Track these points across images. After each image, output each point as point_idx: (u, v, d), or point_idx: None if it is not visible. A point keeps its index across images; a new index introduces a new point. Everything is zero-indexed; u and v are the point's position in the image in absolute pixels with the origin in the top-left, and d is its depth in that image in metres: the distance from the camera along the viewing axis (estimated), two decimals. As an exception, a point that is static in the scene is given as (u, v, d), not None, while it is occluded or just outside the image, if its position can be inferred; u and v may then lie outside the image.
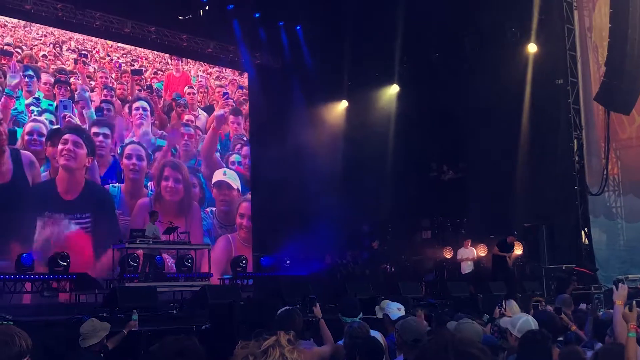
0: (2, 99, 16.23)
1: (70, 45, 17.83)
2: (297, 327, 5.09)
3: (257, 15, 20.35)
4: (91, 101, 17.87)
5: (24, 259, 14.43)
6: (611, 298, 4.88)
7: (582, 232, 16.51)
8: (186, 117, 19.93)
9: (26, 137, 16.47)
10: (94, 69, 18.16)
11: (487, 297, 12.06)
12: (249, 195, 20.93)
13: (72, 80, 17.62)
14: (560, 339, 5.65)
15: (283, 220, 19.30)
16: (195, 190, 19.67)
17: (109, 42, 18.52)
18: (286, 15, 20.23)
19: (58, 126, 17.06)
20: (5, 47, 16.61)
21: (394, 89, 20.57)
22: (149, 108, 19.08)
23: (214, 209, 20.04)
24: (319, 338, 5.87)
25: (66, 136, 17.08)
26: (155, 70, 19.60)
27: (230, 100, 21.21)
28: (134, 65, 19.08)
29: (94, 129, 17.88)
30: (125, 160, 18.23)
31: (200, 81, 20.61)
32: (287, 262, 18.82)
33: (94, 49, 18.32)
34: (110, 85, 18.43)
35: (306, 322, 6.06)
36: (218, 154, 20.52)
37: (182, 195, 19.19)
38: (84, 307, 12.42)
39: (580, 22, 17.57)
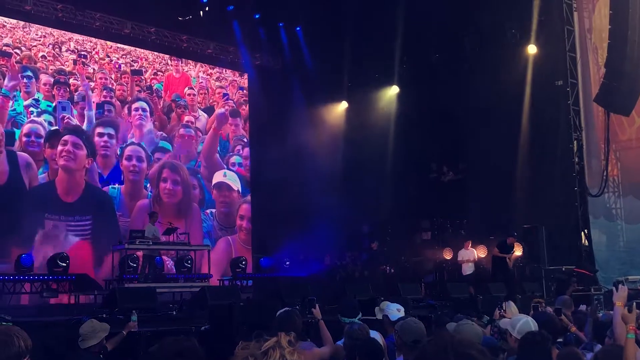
0: (-1, 100, 16.22)
1: (70, 46, 17.82)
2: (296, 328, 5.08)
3: (257, 16, 20.35)
4: (92, 102, 17.85)
5: (23, 260, 14.40)
6: (611, 299, 4.88)
7: (582, 233, 16.50)
8: (186, 118, 19.92)
9: (24, 139, 16.41)
10: (94, 69, 18.15)
11: (486, 299, 12.08)
12: (249, 197, 20.92)
13: (71, 81, 17.60)
14: (560, 340, 5.64)
15: (283, 221, 19.28)
16: (195, 191, 19.65)
17: (108, 42, 18.52)
18: (286, 16, 20.24)
19: (56, 127, 17.02)
20: (4, 48, 16.57)
21: (393, 90, 20.57)
22: (148, 109, 19.06)
23: (214, 210, 20.02)
24: (318, 339, 5.86)
25: (65, 137, 17.03)
26: (155, 71, 19.60)
27: (230, 101, 21.21)
28: (133, 66, 19.07)
29: (99, 129, 17.87)
30: (125, 162, 18.21)
31: (201, 82, 20.61)
32: (287, 263, 18.81)
33: (94, 49, 18.31)
34: (110, 86, 18.42)
35: (306, 323, 6.06)
36: (218, 155, 20.51)
37: (180, 197, 19.15)
38: (84, 308, 12.42)
39: (580, 24, 17.58)
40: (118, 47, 18.77)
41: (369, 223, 20.30)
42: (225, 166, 20.58)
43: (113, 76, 18.55)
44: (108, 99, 18.27)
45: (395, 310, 6.30)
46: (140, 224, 16.97)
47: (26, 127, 16.50)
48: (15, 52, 16.75)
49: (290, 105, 20.58)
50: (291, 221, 19.03)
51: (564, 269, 15.79)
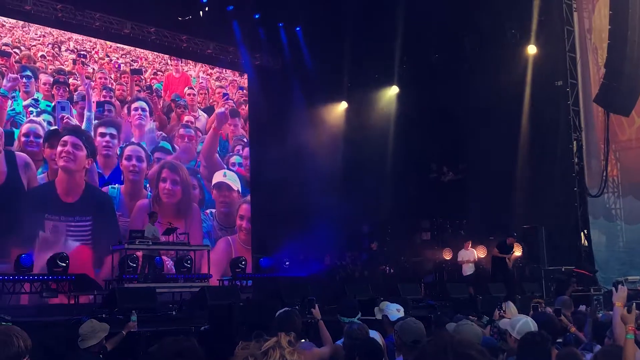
0: (-3, 100, 16.18)
1: (69, 45, 17.79)
2: (296, 328, 5.08)
3: (256, 16, 20.35)
4: (92, 102, 17.84)
5: (23, 260, 14.40)
6: (610, 300, 4.88)
7: (582, 233, 16.51)
8: (186, 118, 19.91)
9: (23, 139, 16.35)
10: (93, 69, 18.13)
11: (486, 299, 12.08)
12: (249, 197, 20.90)
13: (70, 80, 17.59)
14: (560, 340, 5.65)
15: (283, 221, 19.28)
16: (195, 191, 19.64)
17: (108, 42, 18.50)
18: (286, 16, 20.23)
19: (56, 127, 16.98)
20: (3, 48, 16.54)
21: (393, 90, 20.57)
22: (147, 109, 19.05)
23: (213, 210, 20.01)
24: (317, 339, 5.86)
25: (65, 138, 16.99)
26: (155, 70, 19.59)
27: (230, 101, 21.21)
28: (133, 66, 19.06)
29: (101, 129, 17.86)
30: (125, 162, 18.19)
31: (201, 82, 20.60)
32: (287, 263, 18.81)
33: (93, 49, 18.29)
34: (110, 85, 18.41)
35: (305, 323, 6.06)
36: (218, 155, 20.50)
37: (179, 197, 19.13)
38: (83, 308, 12.42)
39: (580, 24, 17.58)
40: (118, 47, 18.75)
41: (368, 223, 20.30)
42: (225, 166, 20.57)
43: (113, 76, 18.54)
44: (108, 98, 18.26)
45: (394, 311, 6.30)
46: (139, 224, 16.95)
47: (25, 127, 16.45)
48: (15, 52, 16.72)
49: (290, 106, 20.58)
50: (291, 221, 19.02)
51: (563, 270, 15.80)
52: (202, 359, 3.17)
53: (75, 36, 17.86)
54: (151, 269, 15.30)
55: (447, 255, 18.45)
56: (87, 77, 17.90)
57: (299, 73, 20.80)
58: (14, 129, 16.29)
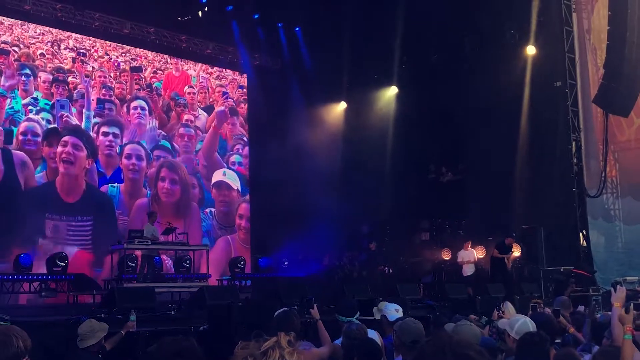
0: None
1: (69, 43, 17.78)
2: (295, 328, 5.08)
3: (256, 17, 20.35)
4: (91, 100, 17.83)
5: (22, 260, 14.39)
6: (609, 300, 4.88)
7: (580, 234, 16.51)
8: (186, 117, 19.91)
9: (20, 137, 16.31)
10: (93, 67, 18.12)
11: (485, 299, 12.08)
12: (248, 196, 20.92)
13: (70, 79, 17.57)
14: (558, 341, 5.65)
15: (282, 220, 19.29)
16: (194, 191, 19.64)
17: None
18: (285, 16, 20.24)
19: (55, 125, 16.96)
20: (2, 46, 16.53)
21: (392, 90, 20.58)
22: (147, 107, 19.04)
23: (213, 209, 20.01)
24: (316, 339, 5.86)
25: (65, 138, 16.97)
26: (154, 69, 19.59)
27: (230, 99, 21.21)
28: (133, 64, 19.05)
29: (104, 129, 17.86)
30: (124, 160, 18.19)
31: (202, 82, 20.61)
32: (285, 263, 18.80)
33: (93, 47, 18.28)
34: (109, 84, 18.40)
35: (304, 323, 6.06)
36: (217, 154, 20.51)
37: (178, 197, 19.13)
38: (82, 308, 12.40)
39: (579, 24, 17.59)
40: (117, 45, 18.75)
41: (368, 223, 20.30)
42: (225, 165, 20.57)
43: (112, 74, 18.53)
44: (107, 97, 18.26)
45: (393, 311, 6.30)
46: (139, 223, 16.95)
47: (22, 126, 16.40)
48: (14, 50, 16.71)
49: (290, 106, 20.59)
50: (290, 221, 19.03)
51: (562, 270, 15.79)
52: (201, 358, 3.17)
53: (74, 34, 17.85)
54: (150, 268, 15.30)
55: (446, 256, 18.45)
56: (87, 76, 17.89)
57: (298, 73, 20.81)
58: (13, 127, 16.25)
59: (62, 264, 14.68)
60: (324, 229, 17.92)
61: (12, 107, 16.36)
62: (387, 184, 19.29)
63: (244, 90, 21.72)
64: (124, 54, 18.89)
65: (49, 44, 17.42)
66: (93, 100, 17.89)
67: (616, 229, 17.28)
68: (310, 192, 18.70)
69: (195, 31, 19.56)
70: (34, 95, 16.79)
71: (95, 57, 18.28)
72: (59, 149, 16.79)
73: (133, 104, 18.76)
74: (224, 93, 21.10)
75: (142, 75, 19.19)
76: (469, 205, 17.80)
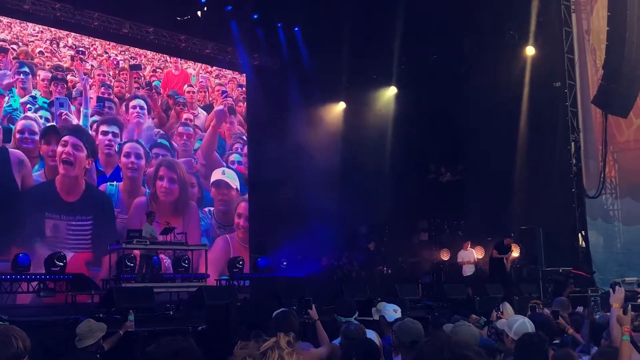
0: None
1: (68, 41, 17.76)
2: (293, 328, 5.07)
3: (255, 17, 20.33)
4: (90, 98, 17.81)
5: (20, 259, 14.37)
6: (608, 301, 4.87)
7: (579, 234, 16.52)
8: (185, 115, 19.91)
9: (17, 135, 16.24)
10: (92, 66, 18.11)
11: (484, 300, 12.08)
12: (247, 195, 20.92)
13: (69, 77, 17.55)
14: (557, 342, 5.65)
15: (280, 220, 19.31)
16: (193, 190, 19.63)
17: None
18: (284, 16, 20.23)
19: (53, 123, 16.93)
20: (0, 44, 16.51)
21: (392, 90, 20.59)
22: (146, 106, 19.03)
23: (212, 208, 20.01)
24: (315, 339, 5.86)
25: (65, 138, 16.94)
26: (154, 68, 19.58)
27: (229, 98, 21.21)
28: (132, 62, 19.04)
29: (103, 127, 17.84)
30: (123, 159, 18.18)
31: (201, 82, 20.61)
32: (284, 263, 18.81)
33: (92, 45, 18.27)
34: (108, 82, 18.38)
35: (302, 323, 6.06)
36: (216, 153, 20.50)
37: (177, 196, 19.11)
38: (81, 308, 12.38)
39: (578, 25, 17.59)
40: (116, 43, 18.73)
41: (366, 223, 20.31)
42: (224, 164, 20.57)
43: (111, 73, 18.51)
44: (107, 95, 18.24)
45: (392, 311, 6.30)
46: (137, 222, 16.92)
47: (20, 124, 16.35)
48: (12, 48, 16.68)
49: (289, 106, 20.59)
50: (289, 221, 19.05)
51: (561, 271, 15.79)
52: (199, 359, 3.16)
53: (73, 32, 17.83)
54: (149, 268, 15.30)
55: (445, 256, 18.45)
56: (85, 74, 17.86)
57: (297, 73, 20.80)
58: (11, 126, 16.21)
59: (61, 263, 14.68)
60: (323, 228, 17.93)
61: (10, 105, 16.32)
62: (386, 184, 19.29)
63: (243, 88, 21.73)
64: (123, 52, 18.88)
65: (48, 41, 17.40)
66: (92, 98, 17.87)
67: (615, 230, 17.27)
68: (309, 192, 18.71)
69: (195, 31, 19.55)
70: (33, 94, 16.76)
71: (95, 56, 18.26)
72: (59, 148, 16.75)
73: (132, 103, 18.75)
74: (223, 92, 21.10)
75: (141, 74, 19.18)
76: (468, 205, 17.81)
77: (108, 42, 18.50)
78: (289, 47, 21.05)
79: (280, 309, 5.59)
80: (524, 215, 16.67)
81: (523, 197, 16.63)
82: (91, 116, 17.76)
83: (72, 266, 15.24)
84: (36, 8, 16.73)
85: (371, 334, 5.59)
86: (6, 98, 16.27)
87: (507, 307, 7.42)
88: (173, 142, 19.42)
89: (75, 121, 17.39)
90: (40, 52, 17.15)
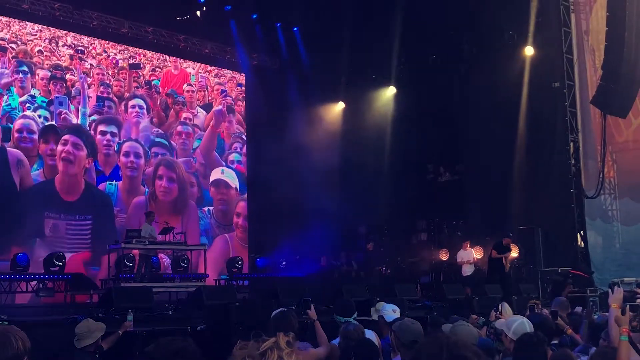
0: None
1: (67, 40, 17.74)
2: (292, 328, 5.07)
3: (254, 16, 20.33)
4: (88, 97, 17.79)
5: (19, 259, 14.35)
6: (606, 301, 4.89)
7: (578, 235, 16.53)
8: (184, 114, 19.90)
9: (16, 135, 16.20)
10: (91, 65, 18.09)
11: (482, 300, 12.08)
12: (246, 195, 20.92)
13: (68, 76, 17.53)
14: (555, 342, 5.65)
15: (279, 220, 19.31)
16: (192, 189, 19.63)
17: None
18: (283, 16, 20.23)
19: (52, 123, 16.91)
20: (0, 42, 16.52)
21: (391, 90, 20.58)
22: (145, 106, 19.02)
23: (211, 208, 20.00)
24: (313, 339, 5.86)
25: (66, 137, 16.92)
26: (153, 67, 19.57)
27: (228, 97, 21.21)
28: (131, 61, 19.02)
29: (101, 127, 17.83)
30: (122, 158, 18.17)
31: (201, 81, 20.60)
32: (283, 263, 18.81)
33: (91, 44, 18.25)
34: (107, 82, 18.37)
35: (301, 323, 6.05)
36: (216, 152, 20.49)
37: (176, 195, 19.10)
38: (80, 308, 12.38)
39: (577, 25, 17.60)
40: (116, 43, 18.72)
41: (365, 223, 20.32)
42: (223, 163, 20.56)
43: (110, 72, 18.49)
44: (106, 94, 18.23)
45: (390, 311, 6.31)
46: (136, 222, 16.90)
47: (18, 123, 16.31)
48: (11, 47, 16.66)
49: (288, 105, 20.59)
50: (288, 221, 19.05)
51: (559, 271, 15.80)
52: (198, 359, 3.16)
53: (72, 32, 17.81)
54: (148, 268, 15.28)
55: (444, 256, 18.45)
56: (84, 73, 17.84)
57: (296, 73, 20.81)
58: (10, 125, 16.18)
59: (60, 263, 14.66)
60: (322, 228, 17.94)
61: (9, 104, 16.29)
62: (385, 184, 19.30)
63: (242, 88, 21.73)
64: (122, 51, 18.87)
65: (47, 40, 17.37)
66: (91, 97, 17.85)
67: (614, 230, 17.29)
68: (308, 191, 18.71)
69: (194, 31, 19.54)
70: (32, 93, 16.73)
71: (94, 55, 18.24)
72: (59, 147, 16.74)
73: (131, 102, 18.74)
74: (223, 91, 21.10)
75: (140, 73, 19.17)
76: (467, 205, 17.83)
77: (107, 42, 18.49)
78: (288, 47, 21.05)
79: (279, 309, 5.58)
80: (523, 216, 16.68)
81: (522, 197, 16.64)
82: (90, 115, 17.74)
83: (71, 266, 15.23)
84: (35, 8, 16.71)
85: (370, 334, 5.59)
86: (5, 97, 16.23)
87: (506, 307, 7.42)
88: (172, 142, 19.41)
89: (74, 120, 17.37)
90: (39, 51, 17.13)
